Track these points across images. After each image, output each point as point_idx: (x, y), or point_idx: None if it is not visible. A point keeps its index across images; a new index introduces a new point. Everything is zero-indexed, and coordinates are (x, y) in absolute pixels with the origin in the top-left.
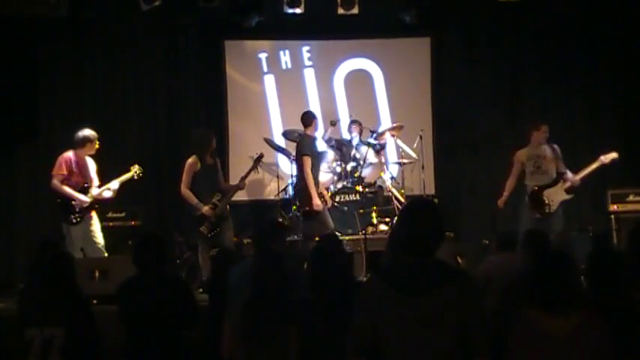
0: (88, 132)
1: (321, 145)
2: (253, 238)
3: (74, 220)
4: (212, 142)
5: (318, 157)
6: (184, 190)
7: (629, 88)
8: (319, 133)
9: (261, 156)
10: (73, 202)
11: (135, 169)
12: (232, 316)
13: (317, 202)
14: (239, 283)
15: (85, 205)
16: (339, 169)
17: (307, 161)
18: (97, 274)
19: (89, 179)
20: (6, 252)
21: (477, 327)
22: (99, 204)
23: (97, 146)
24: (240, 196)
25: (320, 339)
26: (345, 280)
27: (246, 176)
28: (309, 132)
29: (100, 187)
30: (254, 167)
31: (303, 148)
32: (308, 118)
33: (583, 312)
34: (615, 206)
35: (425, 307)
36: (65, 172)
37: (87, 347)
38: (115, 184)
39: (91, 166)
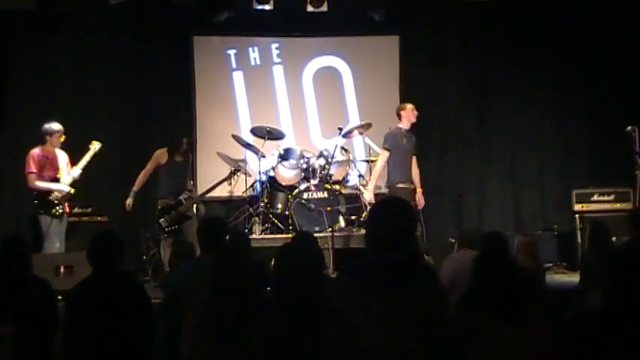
0: (51, 125)
1: (288, 142)
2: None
3: (57, 213)
4: (183, 141)
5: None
6: (140, 174)
7: (596, 86)
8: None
9: (237, 169)
10: (50, 197)
11: (94, 146)
12: (192, 313)
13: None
14: (193, 279)
15: (64, 194)
16: (305, 166)
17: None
18: (62, 270)
19: (60, 171)
20: None
21: (441, 324)
22: (71, 197)
23: (62, 139)
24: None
25: (284, 339)
26: (311, 279)
27: (214, 187)
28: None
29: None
30: (226, 179)
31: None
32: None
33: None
34: (580, 206)
35: (390, 304)
36: (35, 169)
37: (38, 346)
38: (81, 164)
39: (62, 157)
